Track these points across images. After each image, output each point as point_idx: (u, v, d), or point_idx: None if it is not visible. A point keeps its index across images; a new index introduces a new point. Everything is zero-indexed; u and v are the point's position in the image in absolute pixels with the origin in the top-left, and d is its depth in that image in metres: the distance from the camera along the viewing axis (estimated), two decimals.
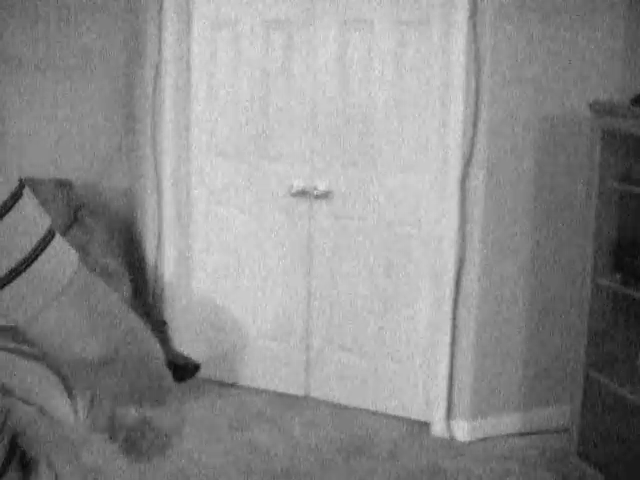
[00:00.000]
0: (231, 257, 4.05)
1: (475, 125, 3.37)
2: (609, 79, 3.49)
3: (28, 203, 0.91)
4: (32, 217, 0.91)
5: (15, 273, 0.88)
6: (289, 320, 3.99)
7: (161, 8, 3.82)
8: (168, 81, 3.90)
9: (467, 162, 3.41)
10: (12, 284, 0.88)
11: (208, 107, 3.96)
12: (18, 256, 0.88)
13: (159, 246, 4.06)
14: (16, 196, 0.92)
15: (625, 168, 2.94)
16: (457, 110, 3.37)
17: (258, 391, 4.03)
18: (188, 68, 3.93)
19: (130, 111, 4.29)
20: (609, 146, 2.92)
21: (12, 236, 0.88)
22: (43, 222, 0.92)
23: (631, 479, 3.03)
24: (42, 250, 0.90)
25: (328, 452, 3.43)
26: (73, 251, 0.96)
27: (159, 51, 3.87)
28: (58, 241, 0.93)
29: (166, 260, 4.06)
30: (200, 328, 4.15)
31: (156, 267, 4.09)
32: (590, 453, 3.11)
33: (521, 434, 3.65)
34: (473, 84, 3.35)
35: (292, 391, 4.04)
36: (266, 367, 4.07)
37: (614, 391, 2.98)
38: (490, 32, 3.30)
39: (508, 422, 3.64)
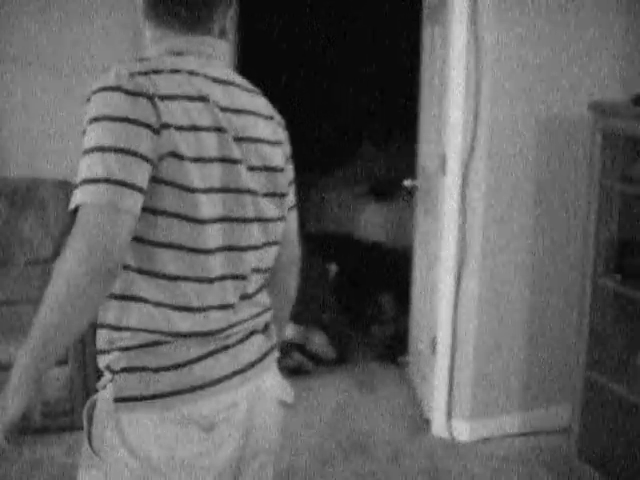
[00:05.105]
0: None
1: (475, 125, 3.37)
2: (609, 79, 3.49)
3: None
4: None
5: None
6: None
7: None
8: None
9: (467, 162, 3.40)
10: None
11: None
12: None
13: None
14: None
15: (625, 168, 2.93)
16: (457, 110, 3.37)
17: None
18: None
19: None
20: (609, 146, 2.92)
21: None
22: None
23: (631, 479, 3.03)
24: None
25: (328, 451, 3.43)
26: None
27: None
28: None
29: None
30: None
31: None
32: (590, 453, 3.11)
33: (521, 434, 3.65)
34: (473, 84, 3.35)
35: None
36: None
37: (614, 391, 2.98)
38: (490, 32, 3.30)
39: (508, 422, 3.63)
